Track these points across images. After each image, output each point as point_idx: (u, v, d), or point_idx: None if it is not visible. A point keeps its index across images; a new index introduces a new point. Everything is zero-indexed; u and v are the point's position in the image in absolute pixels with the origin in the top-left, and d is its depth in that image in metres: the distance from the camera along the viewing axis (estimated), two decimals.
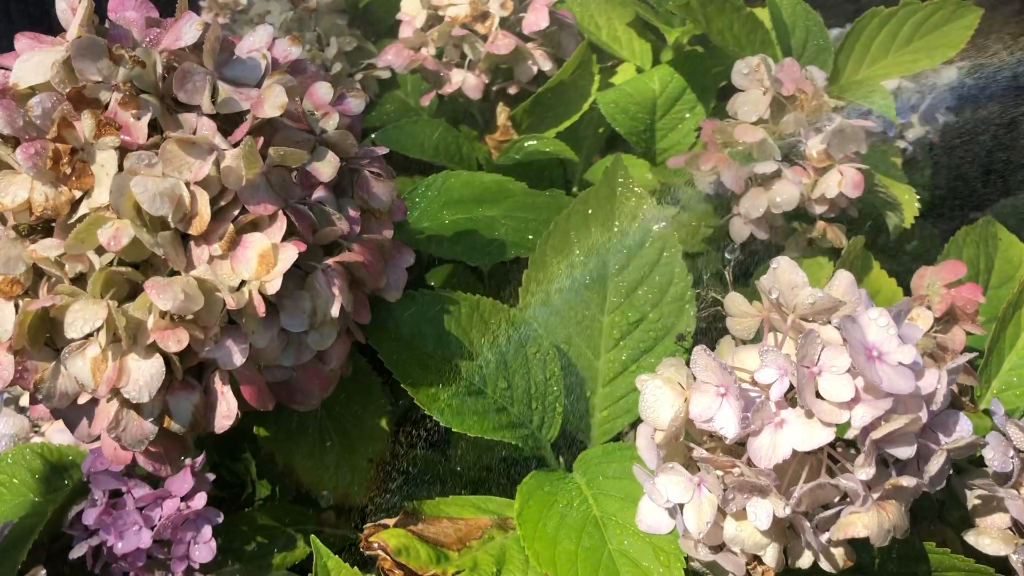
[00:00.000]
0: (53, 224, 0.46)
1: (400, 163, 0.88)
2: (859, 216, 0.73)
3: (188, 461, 0.56)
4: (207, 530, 0.56)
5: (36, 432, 0.70)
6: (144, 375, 0.43)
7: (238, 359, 0.45)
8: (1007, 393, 0.63)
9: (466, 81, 0.80)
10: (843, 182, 0.66)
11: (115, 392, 0.44)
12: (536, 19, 0.78)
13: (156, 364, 0.44)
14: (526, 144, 0.80)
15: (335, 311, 0.47)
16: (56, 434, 0.67)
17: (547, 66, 0.80)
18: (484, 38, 0.79)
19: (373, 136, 0.80)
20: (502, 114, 0.86)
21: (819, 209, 0.68)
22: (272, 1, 0.91)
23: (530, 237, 0.69)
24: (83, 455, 0.63)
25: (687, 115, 0.81)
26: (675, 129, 0.82)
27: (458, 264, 0.85)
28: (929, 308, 0.61)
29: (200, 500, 0.56)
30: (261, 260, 0.45)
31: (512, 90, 0.83)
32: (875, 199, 0.74)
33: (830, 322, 0.47)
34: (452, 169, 0.79)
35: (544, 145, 0.78)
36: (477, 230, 0.69)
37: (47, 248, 0.44)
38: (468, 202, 0.73)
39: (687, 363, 0.47)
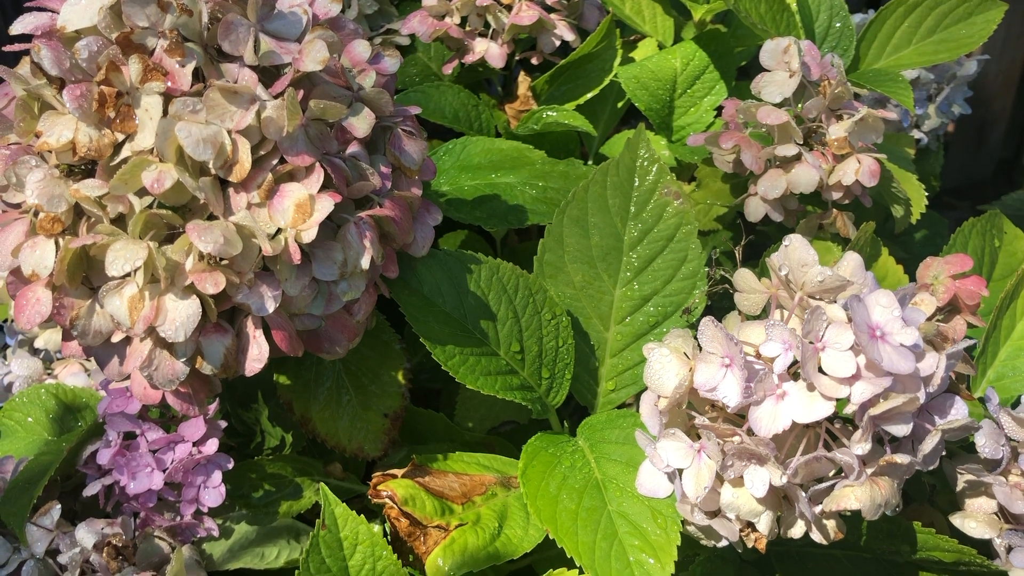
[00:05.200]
0: (93, 165, 0.47)
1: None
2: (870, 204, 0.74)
3: None
4: (217, 475, 0.57)
5: (49, 375, 0.71)
6: (181, 315, 0.45)
7: (271, 305, 0.46)
8: (1002, 382, 0.64)
9: (489, 50, 0.81)
10: (860, 170, 0.66)
11: (150, 331, 0.45)
12: None
13: (193, 305, 0.45)
14: (545, 115, 0.80)
15: (366, 263, 0.49)
16: (70, 377, 0.68)
17: (570, 37, 0.80)
18: (508, 8, 0.79)
19: (394, 98, 0.81)
20: (523, 84, 0.86)
21: (834, 195, 0.68)
22: None
23: (548, 206, 0.70)
24: (96, 397, 0.64)
25: (707, 93, 0.81)
26: (694, 107, 0.82)
27: (471, 232, 0.86)
28: (933, 296, 0.62)
29: (212, 446, 0.57)
30: (298, 209, 0.46)
31: (535, 60, 0.83)
32: (884, 192, 0.75)
33: (836, 301, 0.48)
34: (471, 135, 0.79)
35: (564, 117, 0.79)
36: (497, 195, 0.70)
37: (90, 188, 0.45)
38: (487, 168, 0.74)
39: (694, 337, 0.49)
